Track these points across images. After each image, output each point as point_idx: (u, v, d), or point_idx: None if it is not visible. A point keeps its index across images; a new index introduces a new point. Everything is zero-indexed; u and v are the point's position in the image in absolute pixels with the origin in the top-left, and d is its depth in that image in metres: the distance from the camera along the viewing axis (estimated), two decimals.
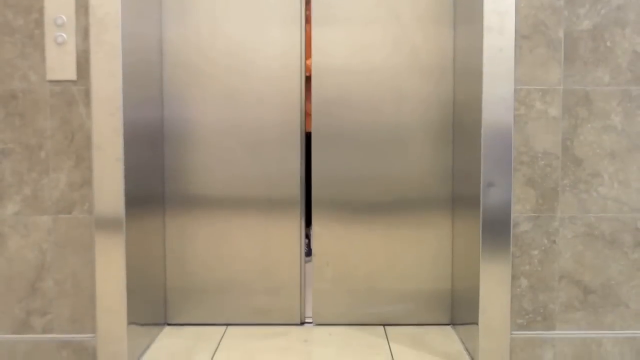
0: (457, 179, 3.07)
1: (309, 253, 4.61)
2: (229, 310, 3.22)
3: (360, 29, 3.12)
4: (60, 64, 2.62)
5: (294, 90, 3.16)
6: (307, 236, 4.71)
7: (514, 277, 2.70)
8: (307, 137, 4.51)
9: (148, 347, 2.94)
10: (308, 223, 4.77)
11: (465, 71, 2.90)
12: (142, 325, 2.90)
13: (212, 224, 3.18)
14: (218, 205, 3.18)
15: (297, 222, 3.21)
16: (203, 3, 3.12)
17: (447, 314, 3.19)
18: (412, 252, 3.18)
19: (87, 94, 2.63)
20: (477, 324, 2.69)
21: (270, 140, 3.17)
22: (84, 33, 2.61)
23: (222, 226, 3.18)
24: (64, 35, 2.61)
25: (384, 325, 3.19)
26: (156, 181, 3.07)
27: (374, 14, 3.12)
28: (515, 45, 2.60)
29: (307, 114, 4.51)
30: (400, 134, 3.14)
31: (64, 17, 2.60)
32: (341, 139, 3.17)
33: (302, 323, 3.25)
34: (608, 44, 2.63)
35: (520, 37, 2.61)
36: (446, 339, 3.04)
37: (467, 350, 2.88)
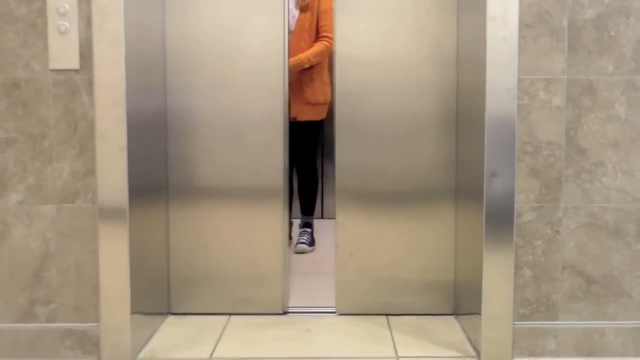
0: (460, 169, 3.07)
1: (312, 243, 4.63)
2: (211, 300, 3.22)
3: (379, 18, 3.12)
4: (63, 53, 2.62)
5: (277, 79, 3.16)
6: (310, 226, 4.73)
7: (517, 267, 2.70)
8: (294, 126, 4.53)
9: (151, 336, 2.94)
10: (307, 212, 4.78)
11: (469, 60, 2.90)
12: (146, 314, 2.91)
13: (198, 214, 3.18)
14: (206, 195, 3.19)
15: (280, 212, 3.20)
16: None
17: (449, 304, 3.19)
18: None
19: (90, 83, 2.63)
20: (480, 314, 2.69)
21: (254, 129, 3.17)
22: (86, 22, 2.61)
23: (208, 215, 3.19)
24: (67, 24, 2.60)
25: (386, 315, 3.19)
26: (160, 170, 3.07)
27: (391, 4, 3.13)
28: (519, 35, 2.59)
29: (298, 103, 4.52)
30: (418, 125, 3.15)
31: (66, 5, 2.60)
32: (364, 129, 3.16)
33: (285, 312, 3.24)
34: (612, 33, 2.62)
35: (524, 26, 2.60)
36: (449, 328, 3.04)
37: (469, 340, 2.88)
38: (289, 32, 4.43)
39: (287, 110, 3.20)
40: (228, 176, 3.18)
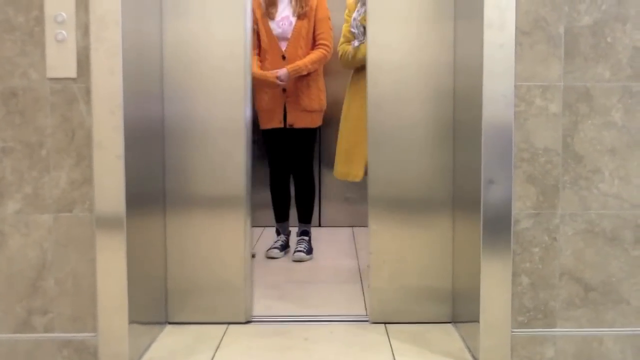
0: (457, 177, 3.07)
1: (309, 251, 4.63)
2: (177, 308, 3.22)
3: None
4: (60, 61, 2.62)
5: (238, 84, 3.14)
6: (307, 234, 4.72)
7: (515, 275, 2.69)
8: (291, 133, 4.52)
9: (149, 346, 2.93)
10: (305, 220, 4.76)
11: (466, 67, 2.90)
12: (144, 324, 2.90)
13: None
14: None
15: (242, 220, 3.17)
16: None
17: (448, 312, 3.18)
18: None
19: (87, 91, 2.63)
20: (478, 321, 2.69)
21: (219, 136, 3.14)
22: (84, 30, 2.61)
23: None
24: (64, 32, 2.60)
25: (385, 323, 3.19)
26: (157, 179, 3.06)
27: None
28: (516, 42, 2.60)
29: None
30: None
31: (64, 14, 2.60)
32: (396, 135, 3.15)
33: (248, 322, 3.22)
34: (608, 39, 2.63)
35: (521, 33, 2.61)
36: (447, 336, 3.04)
37: (468, 348, 2.87)
38: (285, 39, 4.46)
39: (248, 115, 3.17)
40: (195, 184, 3.16)
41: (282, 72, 4.36)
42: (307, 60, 4.40)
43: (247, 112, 3.16)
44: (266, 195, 4.83)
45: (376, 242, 3.18)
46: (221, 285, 3.19)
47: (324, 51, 4.44)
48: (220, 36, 3.11)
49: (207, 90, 3.13)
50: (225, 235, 3.18)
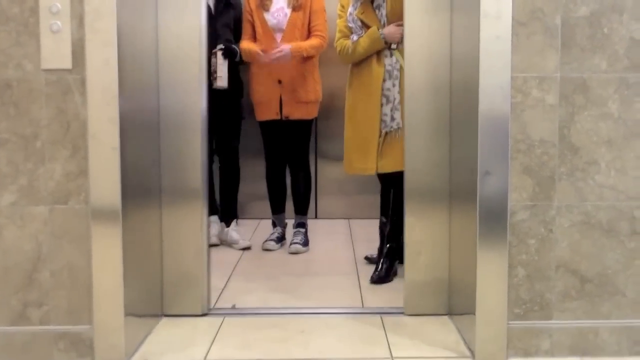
0: (452, 169, 3.07)
1: (305, 243, 4.62)
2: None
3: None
4: (55, 52, 2.60)
5: (193, 73, 3.11)
6: (304, 226, 4.72)
7: (511, 267, 2.69)
8: (287, 124, 4.51)
9: (145, 338, 2.93)
10: (301, 212, 4.76)
11: (462, 58, 2.90)
12: (139, 316, 2.89)
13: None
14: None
15: (199, 213, 3.16)
16: None
17: (444, 304, 3.18)
18: None
19: (82, 82, 2.61)
20: (474, 314, 2.69)
21: (174, 128, 3.12)
22: (79, 21, 2.59)
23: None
24: (59, 23, 2.59)
25: (380, 314, 3.19)
26: (153, 171, 3.05)
27: None
28: (512, 33, 2.59)
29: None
30: None
31: (58, 4, 2.58)
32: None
33: (204, 314, 3.21)
34: (605, 30, 2.62)
35: (517, 24, 2.60)
36: (443, 329, 3.04)
37: (464, 340, 2.88)
38: (281, 30, 4.45)
39: (204, 107, 3.14)
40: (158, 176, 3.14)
41: (286, 48, 4.35)
42: (307, 45, 4.41)
43: (203, 104, 3.13)
44: (262, 187, 4.83)
45: (412, 234, 3.17)
46: (180, 277, 3.17)
47: (320, 40, 4.44)
48: (174, 28, 3.08)
49: (166, 82, 3.10)
50: (184, 228, 3.16)
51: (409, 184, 3.17)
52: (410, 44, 3.12)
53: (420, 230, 3.17)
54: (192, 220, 3.16)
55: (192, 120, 3.12)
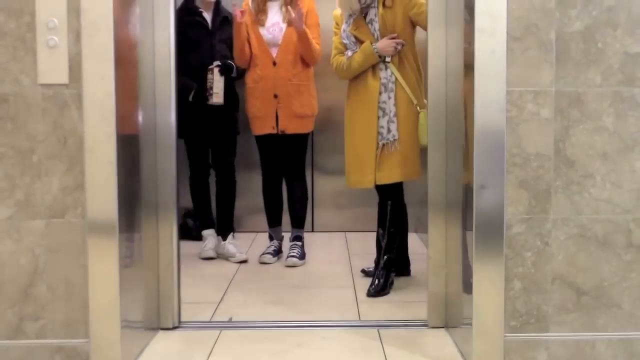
0: (449, 181, 3.07)
1: (302, 256, 4.62)
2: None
3: None
4: (52, 67, 2.61)
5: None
6: (300, 239, 4.72)
7: (507, 279, 2.70)
8: (283, 138, 4.51)
9: (142, 351, 2.92)
10: (297, 225, 4.75)
11: (457, 72, 2.91)
12: (136, 329, 2.89)
13: None
14: None
15: (170, 226, 3.12)
16: None
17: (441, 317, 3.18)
18: None
19: (79, 97, 2.62)
20: (470, 326, 2.69)
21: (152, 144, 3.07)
22: (75, 36, 2.60)
23: None
24: (56, 38, 2.60)
25: (377, 327, 3.19)
26: (150, 185, 3.05)
27: None
28: (507, 47, 2.61)
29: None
30: None
31: (55, 20, 2.59)
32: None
33: (174, 327, 3.18)
34: (599, 45, 2.64)
35: (512, 38, 2.62)
36: (440, 341, 3.04)
37: (461, 352, 2.88)
38: (276, 45, 4.47)
39: (173, 120, 3.08)
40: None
41: (301, 23, 4.34)
42: (313, 41, 4.41)
43: (172, 117, 3.08)
44: (259, 201, 4.84)
45: (435, 246, 3.15)
46: (152, 290, 3.13)
47: (318, 48, 4.46)
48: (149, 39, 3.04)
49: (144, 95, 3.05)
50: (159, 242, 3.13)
51: (432, 198, 3.14)
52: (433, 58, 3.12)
53: (442, 242, 3.14)
54: (164, 234, 3.12)
55: (166, 132, 3.08)
